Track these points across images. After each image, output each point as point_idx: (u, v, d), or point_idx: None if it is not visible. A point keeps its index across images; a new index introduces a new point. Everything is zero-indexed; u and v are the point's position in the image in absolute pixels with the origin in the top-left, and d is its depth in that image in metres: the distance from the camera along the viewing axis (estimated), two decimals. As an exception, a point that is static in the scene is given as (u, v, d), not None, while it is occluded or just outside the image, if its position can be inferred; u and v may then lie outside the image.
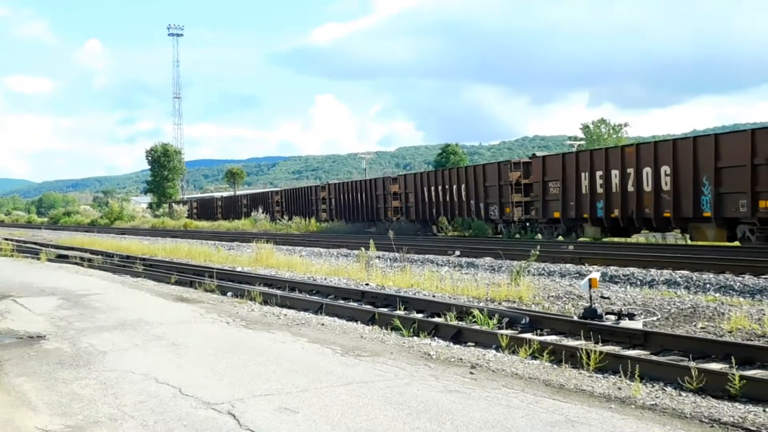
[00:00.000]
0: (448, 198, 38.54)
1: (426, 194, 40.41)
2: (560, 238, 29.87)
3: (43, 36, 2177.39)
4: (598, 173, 27.96)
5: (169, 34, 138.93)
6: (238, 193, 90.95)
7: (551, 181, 30.65)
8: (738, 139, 23.42)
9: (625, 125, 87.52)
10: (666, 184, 25.29)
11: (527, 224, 32.96)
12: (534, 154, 34.25)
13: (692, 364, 7.17)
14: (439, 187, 39.31)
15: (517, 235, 32.30)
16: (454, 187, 38.06)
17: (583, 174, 28.79)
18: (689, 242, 25.52)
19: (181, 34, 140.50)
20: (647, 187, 25.87)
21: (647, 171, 25.89)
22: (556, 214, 30.29)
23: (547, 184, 30.90)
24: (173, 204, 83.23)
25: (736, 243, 23.58)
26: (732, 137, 24.15)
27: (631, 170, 26.55)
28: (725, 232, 23.93)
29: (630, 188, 26.59)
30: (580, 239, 26.59)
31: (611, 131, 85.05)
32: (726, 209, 23.40)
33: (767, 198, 22.08)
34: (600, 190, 27.89)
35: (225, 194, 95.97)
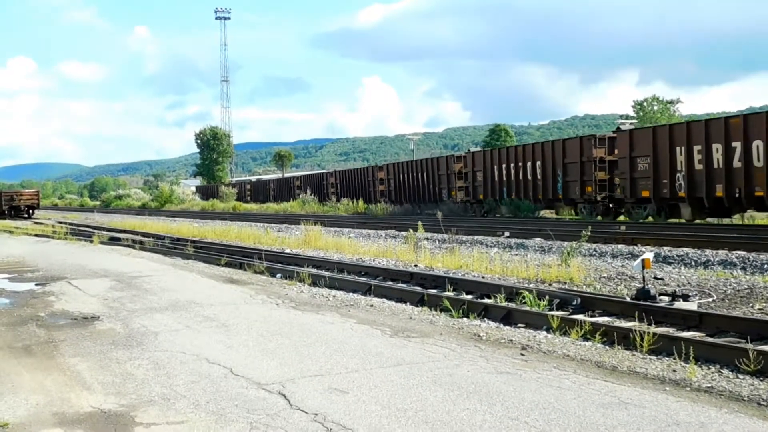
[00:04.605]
0: (415, 183, 46.35)
1: (400, 180, 48.37)
2: (485, 215, 38.40)
3: (93, 22, 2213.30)
4: (503, 165, 37.37)
5: (216, 18, 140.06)
6: (266, 178, 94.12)
7: (477, 171, 39.69)
8: (574, 143, 32.72)
9: (678, 101, 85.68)
10: (538, 174, 34.51)
11: (467, 204, 40.58)
12: (468, 150, 44.37)
13: (750, 346, 6.99)
14: (409, 174, 47.21)
15: (461, 213, 39.86)
16: (419, 174, 45.85)
17: (494, 166, 38.19)
18: (556, 216, 34.43)
19: (229, 18, 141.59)
20: (529, 176, 35.29)
21: (529, 165, 35.32)
22: (481, 196, 39.29)
23: (475, 174, 39.91)
24: (222, 185, 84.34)
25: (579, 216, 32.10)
26: (571, 142, 33.52)
27: (521, 164, 35.95)
28: (572, 209, 33.35)
29: (520, 177, 35.96)
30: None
31: (662, 108, 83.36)
32: (569, 193, 32.65)
33: (590, 185, 31.12)
34: (505, 179, 37.23)
35: (254, 179, 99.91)
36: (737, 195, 24.58)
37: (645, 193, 28.16)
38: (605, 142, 30.75)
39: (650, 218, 27.81)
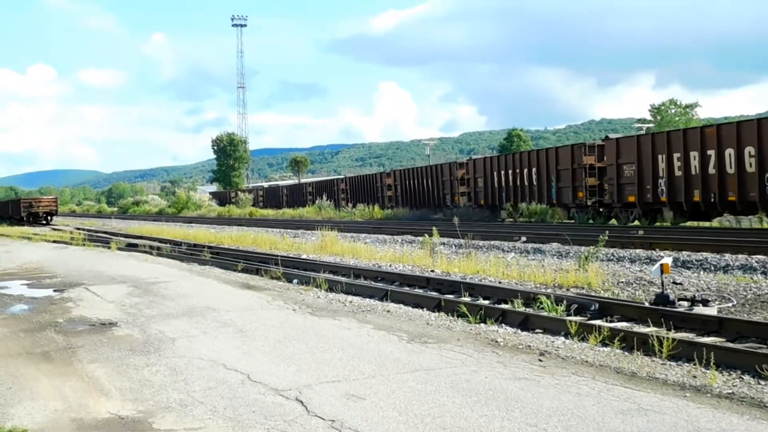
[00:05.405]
0: (421, 189, 48.68)
1: (407, 185, 50.69)
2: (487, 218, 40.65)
3: (111, 29, 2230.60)
4: (502, 172, 39.54)
5: (233, 25, 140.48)
6: (280, 184, 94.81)
7: (479, 177, 41.91)
8: (566, 151, 34.80)
9: (696, 105, 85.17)
10: (534, 181, 36.83)
11: (470, 209, 42.11)
12: (470, 157, 47.35)
13: (771, 351, 6.93)
14: (415, 180, 49.60)
15: (467, 218, 40.05)
16: (424, 180, 48.36)
17: (494, 172, 40.37)
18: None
19: (245, 25, 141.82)
20: (526, 182, 37.52)
21: (525, 171, 37.64)
22: (482, 201, 41.42)
23: (476, 180, 42.14)
24: (239, 191, 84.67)
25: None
26: (564, 150, 35.52)
27: (518, 170, 38.27)
28: (566, 213, 34.96)
29: (518, 183, 38.26)
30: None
31: (680, 112, 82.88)
32: (563, 198, 34.72)
33: (581, 190, 33.09)
34: (504, 185, 39.46)
35: (266, 185, 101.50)
36: (712, 200, 26.26)
37: (631, 198, 30.16)
38: (595, 150, 33.05)
39: (636, 221, 29.69)
